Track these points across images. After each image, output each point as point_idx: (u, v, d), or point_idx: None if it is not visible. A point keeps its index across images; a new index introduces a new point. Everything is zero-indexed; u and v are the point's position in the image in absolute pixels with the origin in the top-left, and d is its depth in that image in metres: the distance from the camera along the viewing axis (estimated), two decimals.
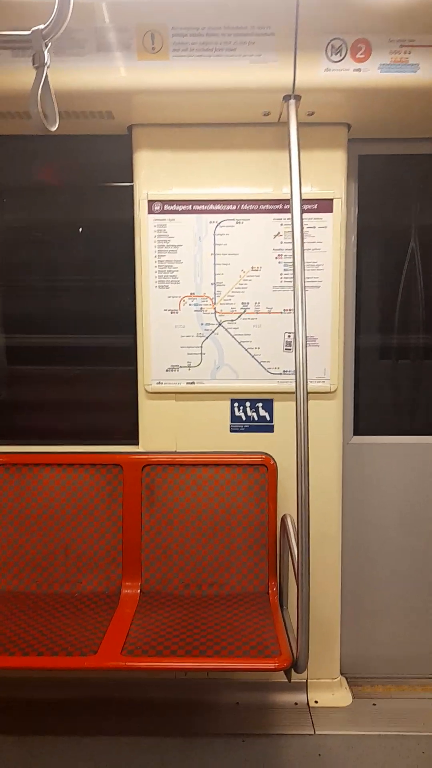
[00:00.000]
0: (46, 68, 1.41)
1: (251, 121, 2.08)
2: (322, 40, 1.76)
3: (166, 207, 2.14)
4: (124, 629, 1.88)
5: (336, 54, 1.78)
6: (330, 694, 2.36)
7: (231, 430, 2.26)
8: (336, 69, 1.79)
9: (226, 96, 1.87)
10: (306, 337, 1.69)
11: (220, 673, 2.36)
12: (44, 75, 1.42)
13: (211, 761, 2.04)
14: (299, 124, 1.82)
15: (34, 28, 1.37)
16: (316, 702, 2.33)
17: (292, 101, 1.83)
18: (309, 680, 2.37)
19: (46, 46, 1.40)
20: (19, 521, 2.19)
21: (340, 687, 2.39)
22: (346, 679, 2.46)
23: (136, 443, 2.31)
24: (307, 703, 2.32)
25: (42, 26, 1.36)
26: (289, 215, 2.13)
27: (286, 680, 1.82)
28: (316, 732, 2.17)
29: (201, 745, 2.11)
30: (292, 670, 1.72)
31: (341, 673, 2.43)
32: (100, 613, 2.00)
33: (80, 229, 2.42)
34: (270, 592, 2.12)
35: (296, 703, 2.32)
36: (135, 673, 2.33)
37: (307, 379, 1.67)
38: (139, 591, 2.14)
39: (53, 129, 1.49)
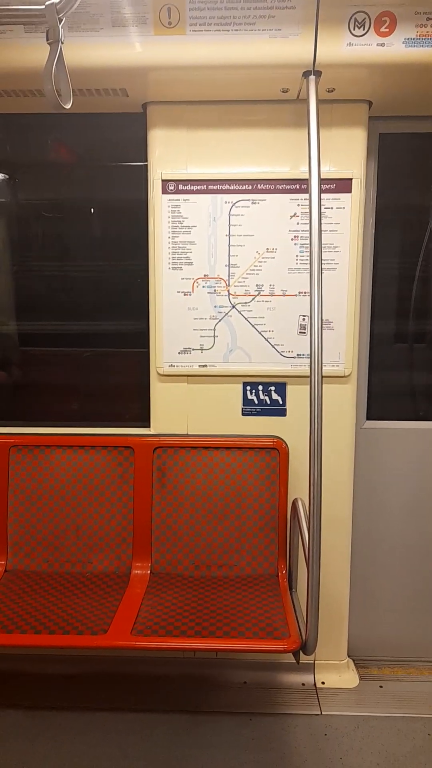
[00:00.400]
0: (60, 44, 1.38)
1: (269, 98, 2.02)
2: (344, 13, 1.70)
3: (181, 187, 2.10)
4: (134, 609, 1.90)
5: (359, 28, 1.72)
6: (337, 675, 2.38)
7: (243, 414, 2.26)
8: (359, 44, 1.73)
9: (244, 72, 1.82)
10: (322, 320, 1.66)
11: (229, 653, 2.39)
12: (58, 51, 1.39)
13: (218, 738, 2.07)
14: (319, 101, 1.77)
15: (48, 2, 1.34)
16: (323, 683, 2.35)
17: (312, 77, 1.78)
18: (316, 661, 2.39)
19: (61, 21, 1.36)
20: (31, 501, 2.21)
21: (347, 669, 2.41)
22: (354, 661, 2.48)
23: (148, 425, 2.31)
24: (314, 684, 2.35)
25: (56, 0, 1.32)
26: (306, 195, 2.09)
27: (294, 661, 1.84)
28: (323, 712, 2.20)
29: (209, 722, 2.15)
30: (301, 651, 1.73)
31: (348, 655, 2.46)
32: (111, 592, 2.02)
33: (92, 210, 2.39)
34: (279, 574, 2.13)
35: (303, 684, 2.35)
36: (145, 651, 2.36)
37: (322, 363, 1.65)
38: (149, 572, 2.16)
39: (68, 107, 1.46)
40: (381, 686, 2.37)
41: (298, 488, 2.21)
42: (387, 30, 1.72)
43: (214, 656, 2.41)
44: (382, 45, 1.73)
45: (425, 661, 2.52)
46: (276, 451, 2.18)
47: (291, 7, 1.70)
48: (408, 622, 2.52)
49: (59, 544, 2.20)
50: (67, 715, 2.17)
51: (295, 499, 2.02)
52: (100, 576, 2.14)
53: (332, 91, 1.95)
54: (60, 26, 1.38)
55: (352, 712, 2.21)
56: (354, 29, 1.72)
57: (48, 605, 1.91)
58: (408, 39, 1.73)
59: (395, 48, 1.74)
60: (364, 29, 1.72)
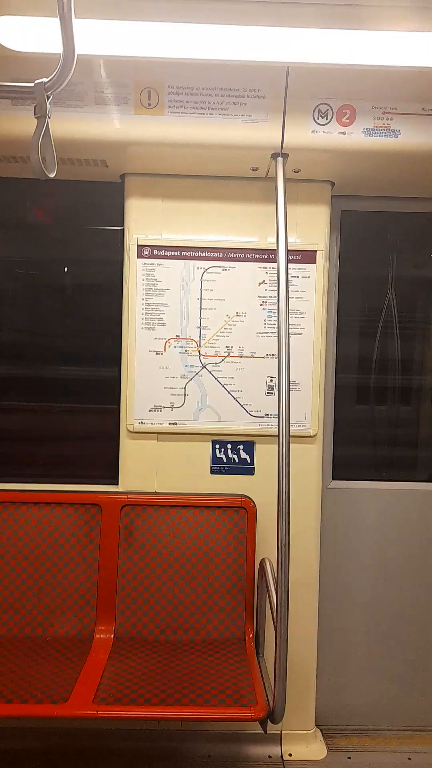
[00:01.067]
0: (47, 119, 1.47)
1: (240, 175, 2.17)
2: (309, 104, 1.87)
3: (155, 252, 2.20)
4: (96, 676, 1.83)
5: (323, 117, 1.89)
6: (305, 746, 2.30)
7: (212, 472, 2.27)
8: (322, 131, 1.90)
9: (217, 151, 1.96)
10: (289, 381, 1.73)
11: (194, 723, 2.29)
12: (45, 124, 1.48)
13: None
14: (286, 180, 1.91)
15: (37, 81, 1.42)
16: (290, 755, 2.27)
17: (280, 159, 1.93)
18: (283, 732, 2.31)
19: (48, 98, 1.45)
20: None
21: (315, 739, 2.34)
22: (321, 730, 2.41)
23: (116, 483, 2.29)
24: (281, 756, 2.26)
25: (45, 79, 1.41)
26: (273, 264, 2.21)
27: (261, 731, 1.78)
28: None
29: None
30: (268, 720, 1.69)
31: (316, 725, 2.38)
32: (72, 658, 1.94)
33: (66, 269, 2.46)
34: (246, 638, 2.09)
35: (270, 756, 2.26)
36: (107, 721, 2.25)
37: (289, 423, 1.70)
38: (112, 635, 2.09)
39: (52, 175, 1.53)
40: (349, 757, 2.29)
41: (266, 548, 2.20)
42: (348, 120, 1.90)
43: (179, 727, 2.31)
44: (344, 133, 1.91)
45: (394, 729, 2.46)
46: (244, 510, 2.18)
47: (261, 96, 1.87)
48: (376, 689, 2.48)
49: (19, 606, 2.12)
50: None
51: (263, 559, 2.02)
52: (61, 640, 2.06)
53: (298, 171, 2.11)
54: (47, 102, 1.47)
55: None
56: (318, 118, 1.89)
57: (5, 672, 1.82)
58: (366, 129, 1.91)
59: (355, 136, 1.91)
60: (327, 119, 1.89)
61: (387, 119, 1.90)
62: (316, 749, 2.31)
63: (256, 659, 1.98)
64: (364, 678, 2.47)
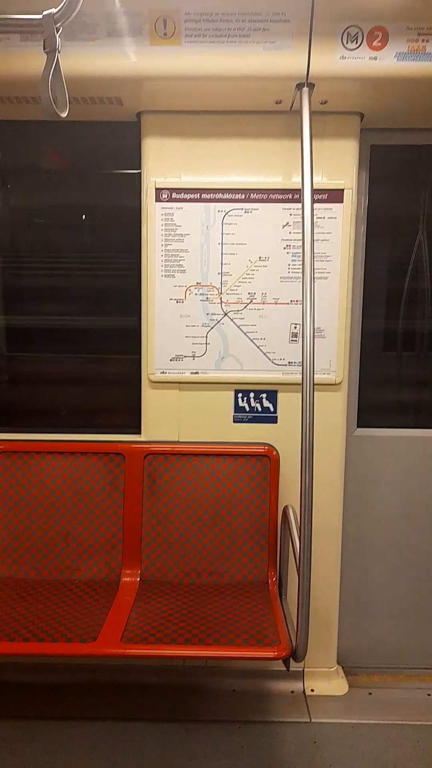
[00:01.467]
0: (57, 53, 1.39)
1: (263, 109, 2.05)
2: (337, 28, 1.73)
3: (174, 195, 2.12)
4: (123, 616, 1.89)
5: (352, 42, 1.74)
6: (326, 682, 2.38)
7: (234, 421, 2.26)
8: (351, 57, 1.76)
9: (238, 83, 1.84)
10: (314, 328, 1.68)
11: (219, 661, 2.38)
12: (55, 60, 1.40)
13: (208, 747, 2.06)
14: (311, 113, 1.79)
15: (45, 12, 1.34)
16: (312, 690, 2.35)
17: (306, 89, 1.80)
18: (306, 669, 2.39)
19: (58, 30, 1.37)
20: (19, 508, 2.20)
21: (336, 676, 2.42)
22: (343, 668, 2.48)
23: (139, 432, 2.31)
24: (304, 692, 2.35)
25: (54, 10, 1.33)
26: (298, 205, 2.11)
27: (284, 669, 1.83)
28: (312, 720, 2.20)
29: (198, 731, 2.14)
30: (291, 659, 1.73)
31: (338, 663, 2.46)
32: (100, 600, 2.01)
33: (83, 216, 2.40)
34: (269, 581, 2.13)
35: (293, 692, 2.35)
36: (133, 659, 2.35)
37: (313, 371, 1.67)
38: (138, 579, 2.15)
39: (64, 115, 1.47)
40: (370, 693, 2.37)
41: (289, 496, 2.21)
42: (379, 44, 1.75)
43: (204, 664, 2.40)
44: (375, 59, 1.76)
45: (414, 668, 2.53)
46: (267, 459, 2.18)
47: (285, 20, 1.73)
48: (397, 630, 2.53)
49: (47, 551, 2.19)
50: (55, 725, 2.15)
51: (286, 506, 2.03)
52: (89, 583, 2.13)
53: (325, 103, 1.97)
54: (57, 36, 1.39)
55: (341, 720, 2.21)
56: (347, 43, 1.75)
57: (36, 613, 1.89)
58: (400, 53, 1.76)
59: (387, 62, 1.77)
60: (356, 43, 1.75)
61: (422, 41, 1.75)
62: (338, 685, 2.39)
63: (279, 601, 2.03)
64: (385, 620, 2.53)
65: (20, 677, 2.36)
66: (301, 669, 2.39)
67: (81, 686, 2.34)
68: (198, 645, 1.73)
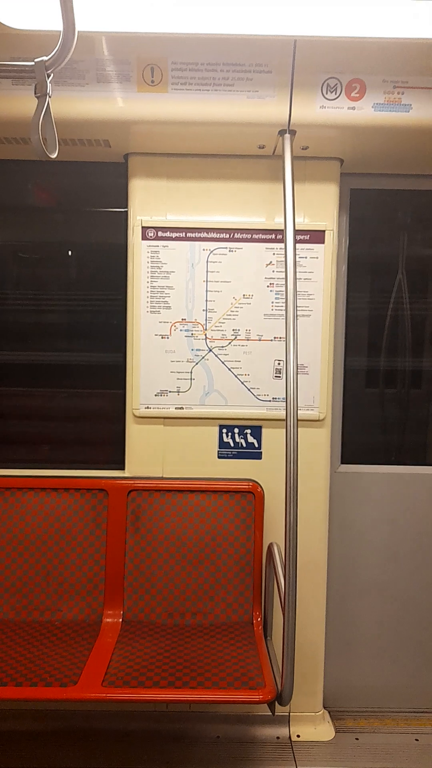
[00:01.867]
0: (48, 98, 1.43)
1: (246, 153, 2.12)
2: (318, 79, 1.81)
3: (160, 233, 2.16)
4: (105, 659, 1.84)
5: (331, 92, 1.83)
6: (312, 727, 2.32)
7: (219, 456, 2.26)
8: (331, 106, 1.84)
9: (223, 129, 1.91)
10: (297, 364, 1.70)
11: (203, 705, 2.31)
12: (46, 104, 1.44)
13: None
14: (293, 158, 1.86)
15: (37, 60, 1.38)
16: (298, 736, 2.28)
17: (288, 136, 1.88)
18: (291, 713, 2.33)
19: (49, 77, 1.42)
20: None
21: (322, 721, 2.35)
22: (329, 712, 2.42)
23: (122, 468, 2.29)
24: (290, 737, 2.28)
25: (45, 57, 1.37)
26: (281, 245, 2.17)
27: (269, 713, 1.79)
28: (298, 767, 2.13)
29: None
30: (276, 702, 1.69)
31: (324, 706, 2.40)
32: (81, 642, 1.95)
33: (69, 252, 2.43)
34: (254, 621, 2.09)
35: (278, 737, 2.28)
36: (116, 704, 2.27)
37: (297, 407, 1.68)
38: (121, 620, 2.10)
39: (53, 156, 1.50)
40: (357, 738, 2.31)
41: (273, 532, 2.20)
42: (357, 95, 1.84)
43: (188, 708, 2.33)
44: (353, 108, 1.85)
45: (401, 711, 2.47)
46: (252, 495, 2.17)
47: (267, 71, 1.81)
48: (384, 671, 2.49)
49: (27, 591, 2.13)
50: None
51: (271, 543, 2.01)
52: (69, 624, 2.07)
53: (306, 148, 2.05)
54: (48, 81, 1.43)
55: (328, 767, 2.14)
56: (326, 93, 1.83)
57: (15, 655, 1.83)
58: (377, 104, 1.85)
59: (365, 111, 1.85)
60: (336, 93, 1.83)
61: (398, 93, 1.84)
62: (324, 730, 2.32)
63: (264, 642, 1.99)
64: (372, 661, 2.48)
65: None
66: (287, 713, 2.32)
67: (61, 734, 2.24)
68: (182, 688, 1.68)
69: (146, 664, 1.79)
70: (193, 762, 2.14)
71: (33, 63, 1.40)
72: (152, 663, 1.80)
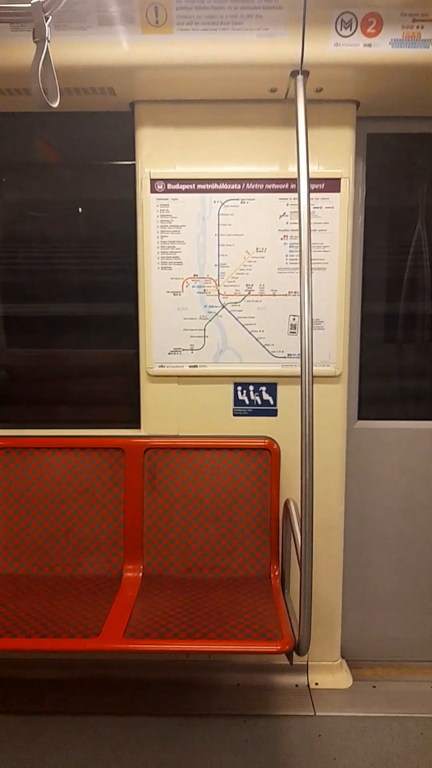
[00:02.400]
0: (47, 43, 1.37)
1: (257, 98, 2.02)
2: (331, 14, 1.70)
3: (169, 186, 2.09)
4: (126, 612, 1.88)
5: (346, 28, 1.72)
6: (330, 676, 2.37)
7: (234, 414, 2.25)
8: (346, 44, 1.73)
9: (232, 72, 1.82)
10: (312, 320, 1.66)
11: (222, 656, 2.38)
12: (45, 50, 1.38)
13: (211, 741, 2.06)
14: (307, 101, 1.77)
15: (34, 1, 1.33)
16: (316, 684, 2.34)
17: (300, 77, 1.78)
18: (310, 663, 2.38)
19: (47, 19, 1.35)
20: (19, 505, 2.19)
21: (340, 669, 2.41)
22: (347, 661, 2.47)
23: (138, 427, 2.29)
24: (308, 685, 2.34)
25: None
26: (295, 195, 2.09)
27: (287, 663, 1.83)
28: (317, 713, 2.19)
29: (202, 725, 2.13)
30: (294, 652, 1.72)
31: (342, 656, 2.45)
32: (102, 596, 2.00)
33: (80, 209, 2.38)
34: (272, 575, 2.12)
35: (297, 685, 2.34)
36: (136, 654, 2.34)
37: (312, 363, 1.65)
38: (140, 574, 2.14)
39: (54, 105, 1.45)
40: (374, 686, 2.36)
41: (290, 489, 2.20)
42: (374, 31, 1.73)
43: (207, 659, 2.39)
44: (369, 45, 1.74)
45: (418, 661, 2.52)
46: (267, 452, 2.17)
47: (278, 7, 1.70)
48: (400, 622, 2.52)
49: (49, 547, 2.18)
50: (58, 721, 2.15)
51: (287, 500, 2.01)
52: (91, 579, 2.12)
53: (320, 90, 1.95)
54: (46, 24, 1.37)
55: (345, 713, 2.20)
56: (341, 30, 1.73)
57: (38, 609, 1.89)
58: (394, 40, 1.73)
59: (382, 49, 1.74)
60: (350, 30, 1.73)
61: (417, 28, 1.72)
62: (342, 678, 2.38)
63: (282, 595, 2.01)
64: (389, 613, 2.51)
65: (24, 673, 2.36)
66: (305, 663, 2.38)
67: (84, 682, 2.33)
68: (201, 639, 1.72)
69: (166, 617, 1.83)
70: (214, 708, 2.21)
71: (30, 5, 1.34)
72: (172, 615, 1.84)
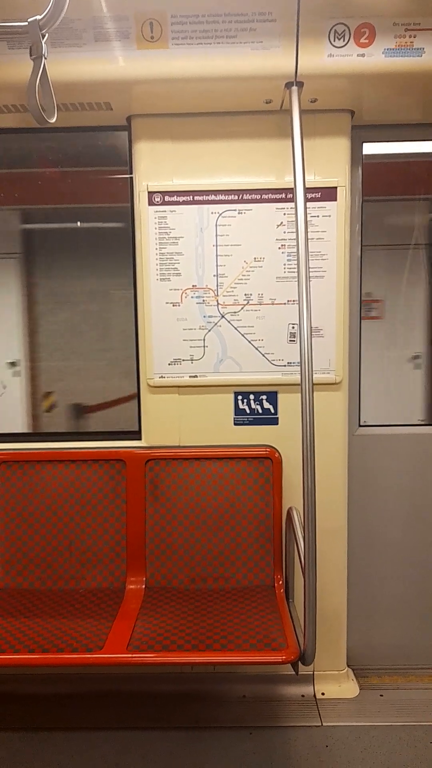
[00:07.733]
0: (43, 59, 1.38)
1: (253, 110, 2.04)
2: (324, 25, 1.72)
3: (167, 198, 2.11)
4: (129, 624, 1.87)
5: (339, 39, 1.74)
6: (337, 685, 2.36)
7: (235, 423, 2.25)
8: (339, 54, 1.75)
9: (227, 84, 1.84)
10: (311, 327, 1.67)
11: (227, 667, 2.36)
12: (42, 66, 1.39)
13: (218, 754, 2.04)
14: (302, 112, 1.78)
15: (30, 19, 1.34)
16: (323, 694, 2.33)
17: (295, 88, 1.80)
18: (315, 672, 2.36)
19: (44, 36, 1.37)
20: (21, 518, 2.18)
21: (346, 678, 2.39)
22: (353, 670, 2.46)
23: (139, 438, 2.29)
24: (314, 695, 2.32)
25: (39, 16, 1.32)
26: (292, 204, 2.10)
27: (293, 673, 1.81)
28: (324, 723, 2.18)
29: (208, 738, 2.11)
30: (299, 662, 1.71)
31: (348, 665, 2.43)
32: (105, 608, 1.99)
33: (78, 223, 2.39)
34: (276, 585, 2.11)
35: (303, 695, 2.32)
36: (141, 667, 2.33)
37: (312, 371, 1.65)
38: (143, 586, 2.13)
39: (52, 121, 1.46)
40: (381, 695, 2.34)
41: (293, 497, 2.19)
42: (367, 41, 1.75)
43: (212, 670, 2.38)
44: (363, 55, 1.76)
45: (425, 668, 2.50)
46: (269, 461, 2.17)
47: (271, 19, 1.72)
48: (406, 630, 2.51)
49: (51, 560, 2.17)
50: (63, 736, 2.13)
51: (290, 508, 2.01)
52: (94, 592, 2.11)
53: (315, 101, 1.97)
54: (43, 41, 1.38)
55: (352, 723, 2.18)
56: (334, 40, 1.75)
57: (41, 623, 1.88)
58: (387, 49, 1.75)
59: (375, 58, 1.76)
60: (344, 40, 1.75)
61: (410, 37, 1.74)
62: (348, 688, 2.36)
63: (286, 604, 2.00)
64: (394, 620, 2.50)
65: (28, 688, 2.34)
66: (311, 672, 2.36)
67: (88, 696, 2.31)
68: (205, 651, 1.71)
69: (170, 628, 1.82)
70: (220, 720, 2.19)
71: (27, 23, 1.35)
72: (176, 627, 1.83)
